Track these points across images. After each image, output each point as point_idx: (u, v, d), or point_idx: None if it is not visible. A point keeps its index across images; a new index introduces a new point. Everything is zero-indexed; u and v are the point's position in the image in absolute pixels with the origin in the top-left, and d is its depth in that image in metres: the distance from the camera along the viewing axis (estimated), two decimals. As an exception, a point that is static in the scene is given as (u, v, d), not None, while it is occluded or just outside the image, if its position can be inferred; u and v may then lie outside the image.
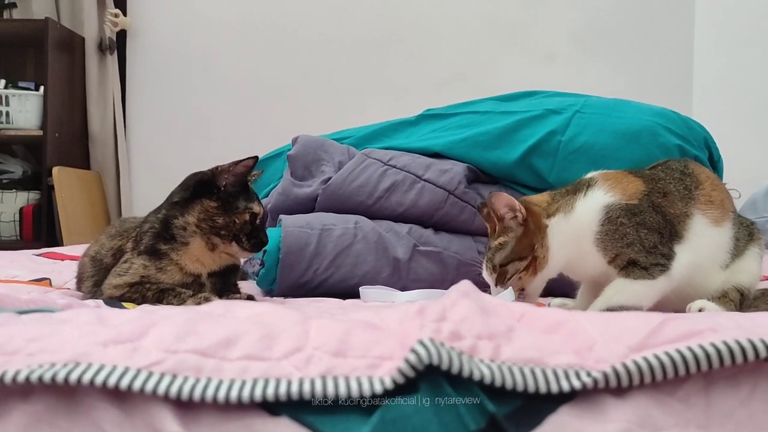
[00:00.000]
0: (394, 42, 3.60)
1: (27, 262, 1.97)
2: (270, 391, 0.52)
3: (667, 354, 0.55)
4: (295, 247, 1.69)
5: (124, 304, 1.27)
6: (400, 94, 3.49)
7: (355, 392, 0.52)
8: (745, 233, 1.28)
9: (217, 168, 1.33)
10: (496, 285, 1.27)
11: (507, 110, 1.97)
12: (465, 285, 0.73)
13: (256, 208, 1.34)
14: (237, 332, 0.58)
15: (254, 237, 1.34)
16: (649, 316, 0.61)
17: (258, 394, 0.52)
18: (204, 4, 3.62)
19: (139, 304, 1.28)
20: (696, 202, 1.23)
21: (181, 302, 1.28)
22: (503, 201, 1.24)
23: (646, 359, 0.54)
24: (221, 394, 0.51)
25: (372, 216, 1.82)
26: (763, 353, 0.54)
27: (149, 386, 0.51)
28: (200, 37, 3.60)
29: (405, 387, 0.53)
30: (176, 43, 3.59)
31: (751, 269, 1.25)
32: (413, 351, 0.53)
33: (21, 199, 3.20)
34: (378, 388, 0.52)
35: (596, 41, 3.55)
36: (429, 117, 2.13)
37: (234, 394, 0.51)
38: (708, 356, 0.54)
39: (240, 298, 1.34)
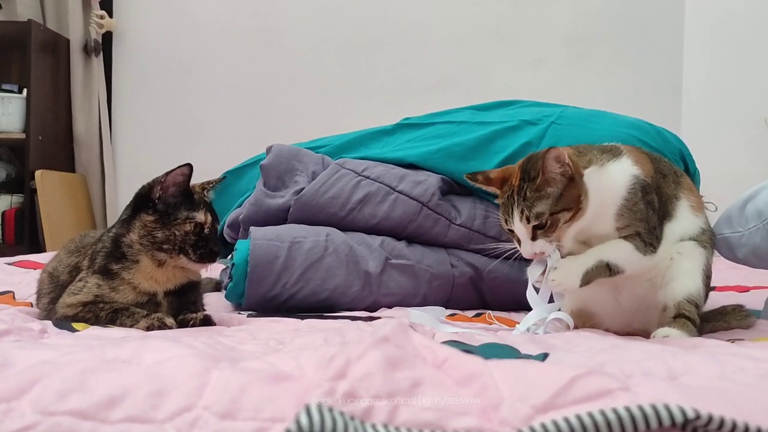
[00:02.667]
0: (382, 45, 3.57)
1: (-3, 271, 1.95)
2: (140, 463, 0.49)
3: (566, 420, 0.52)
4: (263, 260, 1.66)
5: (75, 325, 1.24)
6: (389, 97, 3.47)
7: (230, 464, 0.49)
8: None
9: (153, 180, 1.29)
10: (534, 239, 1.23)
11: (483, 120, 1.94)
12: (390, 327, 0.70)
13: (199, 217, 1.29)
14: (127, 387, 0.55)
15: (201, 248, 1.29)
16: (563, 370, 0.58)
17: (126, 466, 0.49)
18: (191, 5, 3.58)
19: (92, 324, 1.25)
20: (681, 187, 1.32)
21: (135, 322, 1.25)
22: (557, 157, 1.19)
23: (544, 426, 0.52)
24: (87, 467, 0.48)
25: (345, 228, 1.79)
26: (666, 421, 0.51)
27: (10, 458, 0.48)
28: (187, 39, 3.57)
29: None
30: (163, 45, 3.56)
31: (692, 270, 1.27)
32: (296, 420, 0.50)
33: (4, 202, 3.19)
34: (256, 459, 0.50)
35: (586, 46, 3.51)
36: (405, 126, 2.10)
37: (101, 465, 0.49)
38: (609, 424, 0.51)
39: (195, 319, 1.31)
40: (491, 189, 1.31)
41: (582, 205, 1.21)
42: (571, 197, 1.20)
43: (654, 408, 0.51)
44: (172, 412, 0.55)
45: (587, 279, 1.23)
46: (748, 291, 1.95)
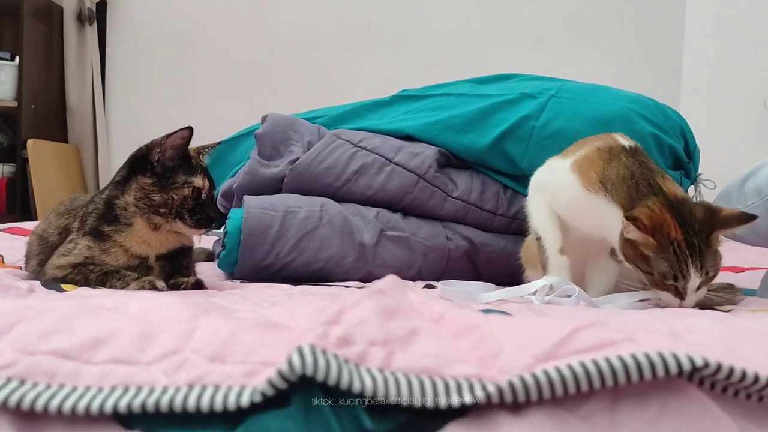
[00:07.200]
0: (380, 22, 3.53)
1: (-14, 237, 1.93)
2: (123, 403, 0.47)
3: (570, 367, 0.50)
4: (257, 229, 1.64)
5: (63, 286, 1.22)
6: (386, 75, 3.43)
7: (218, 405, 0.47)
8: None
9: (151, 142, 1.27)
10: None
11: (482, 93, 1.91)
12: (385, 282, 0.68)
13: (197, 182, 1.28)
14: (111, 330, 0.53)
15: (198, 213, 1.28)
16: (566, 323, 0.56)
17: (109, 405, 0.47)
18: (187, -24, 3.54)
19: (81, 286, 1.24)
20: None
21: (125, 285, 1.23)
22: None
23: (546, 372, 0.50)
24: (67, 405, 0.46)
25: (340, 199, 1.76)
26: (673, 369, 0.49)
27: (-15, 394, 0.46)
28: (182, 9, 3.53)
29: (280, 398, 0.48)
30: (158, 15, 3.52)
31: None
32: (288, 361, 0.48)
33: (-4, 171, 3.16)
34: (245, 401, 0.47)
35: (587, 25, 3.48)
36: (403, 98, 2.07)
37: (82, 404, 0.46)
38: (614, 371, 0.49)
39: (187, 283, 1.29)
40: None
41: None
42: None
43: (661, 356, 0.49)
44: (158, 355, 0.52)
45: None
46: (743, 271, 1.94)
